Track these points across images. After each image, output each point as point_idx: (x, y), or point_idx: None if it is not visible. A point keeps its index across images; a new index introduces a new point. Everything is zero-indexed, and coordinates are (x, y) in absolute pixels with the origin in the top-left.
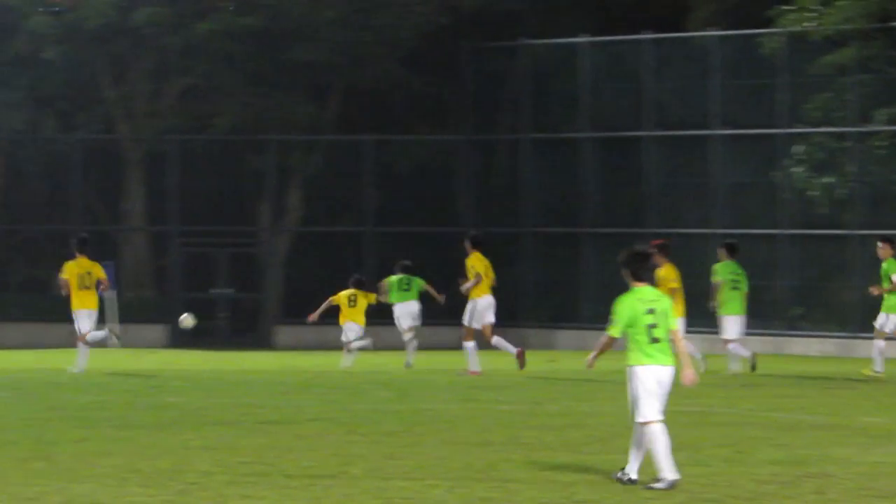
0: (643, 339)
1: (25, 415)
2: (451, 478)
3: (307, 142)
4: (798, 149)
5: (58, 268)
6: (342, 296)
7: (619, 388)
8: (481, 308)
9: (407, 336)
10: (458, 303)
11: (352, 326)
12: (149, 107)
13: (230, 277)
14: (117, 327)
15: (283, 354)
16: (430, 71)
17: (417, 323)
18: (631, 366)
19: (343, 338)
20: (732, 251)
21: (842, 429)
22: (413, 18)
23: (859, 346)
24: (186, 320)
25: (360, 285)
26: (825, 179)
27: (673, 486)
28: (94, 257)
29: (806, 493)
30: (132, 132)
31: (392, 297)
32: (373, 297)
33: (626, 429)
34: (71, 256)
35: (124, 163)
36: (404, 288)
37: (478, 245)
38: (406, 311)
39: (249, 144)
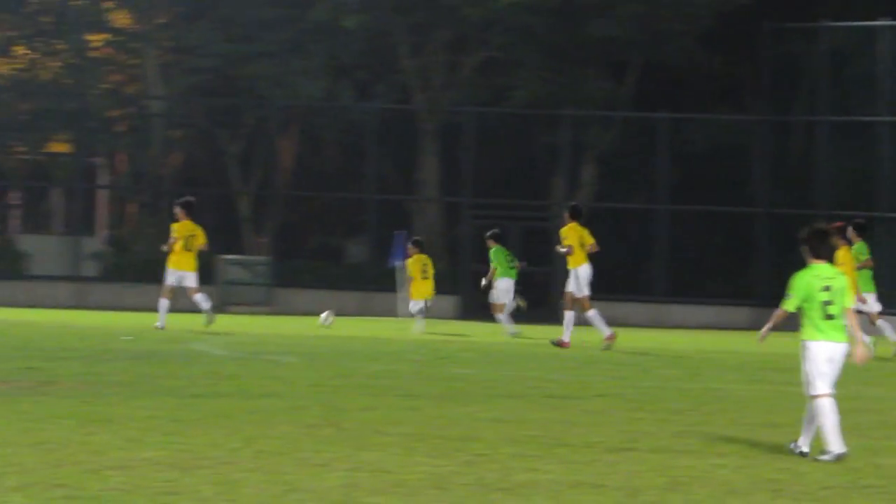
0: (817, 315)
1: (315, 381)
2: (738, 458)
3: (602, 118)
4: None
5: (351, 235)
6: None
7: None
8: (583, 277)
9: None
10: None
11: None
12: (446, 78)
13: (521, 251)
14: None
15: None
16: (728, 50)
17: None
18: (804, 340)
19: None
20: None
21: None
22: None
23: None
24: (328, 319)
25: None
26: None
27: (839, 458)
28: (385, 226)
29: None
30: (428, 103)
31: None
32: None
33: None
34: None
35: (419, 133)
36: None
37: (576, 216)
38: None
39: (544, 119)
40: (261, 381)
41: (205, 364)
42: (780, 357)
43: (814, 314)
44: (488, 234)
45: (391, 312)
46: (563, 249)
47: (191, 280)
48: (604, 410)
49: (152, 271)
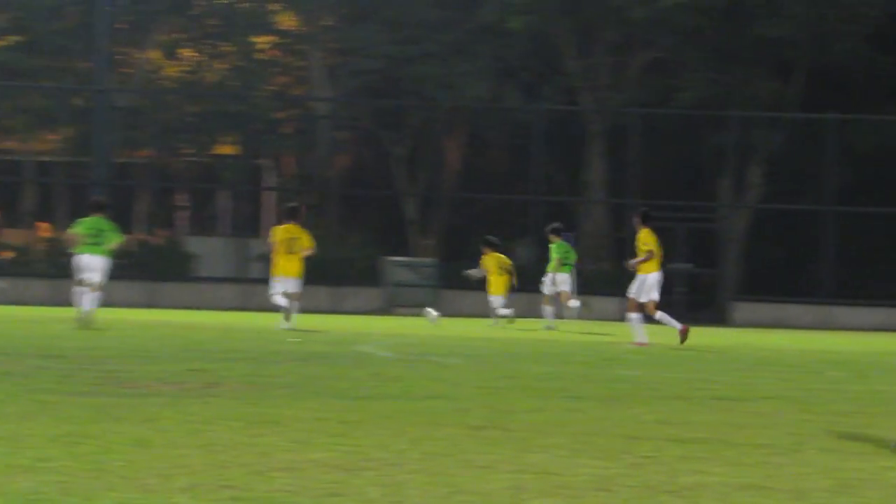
0: None
1: (480, 383)
2: None
3: (770, 119)
4: None
5: (517, 237)
6: None
7: None
8: (651, 283)
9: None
10: None
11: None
12: (612, 79)
13: (689, 252)
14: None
15: (740, 331)
16: None
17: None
18: None
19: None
20: None
21: None
22: None
23: None
24: (429, 315)
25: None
26: None
27: None
28: (545, 229)
29: None
30: (594, 104)
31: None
32: None
33: None
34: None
35: (585, 135)
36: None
37: (648, 221)
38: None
39: (711, 120)
40: (426, 382)
41: (371, 366)
42: None
43: None
44: (549, 227)
45: (557, 314)
46: (642, 257)
47: (292, 285)
48: (770, 412)
49: (320, 273)
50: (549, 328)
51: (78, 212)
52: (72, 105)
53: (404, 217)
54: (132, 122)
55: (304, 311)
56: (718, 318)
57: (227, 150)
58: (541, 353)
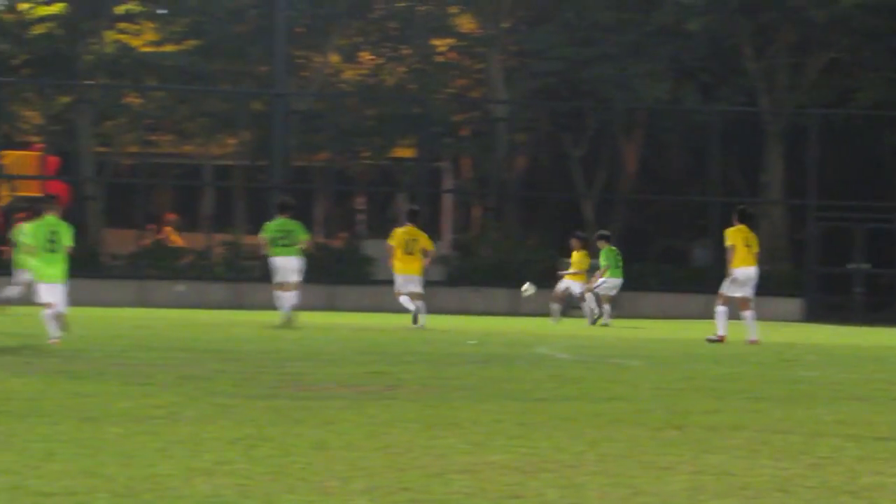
0: None
1: (659, 384)
2: None
3: None
4: None
5: (696, 238)
6: None
7: None
8: (739, 278)
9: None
10: None
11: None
12: (790, 80)
13: (867, 252)
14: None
15: None
16: None
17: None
18: None
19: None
20: None
21: None
22: None
23: None
24: (528, 290)
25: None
26: None
27: None
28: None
29: None
30: (773, 105)
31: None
32: None
33: None
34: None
35: (764, 135)
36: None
37: (744, 219)
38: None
39: (889, 120)
40: (604, 384)
41: (549, 367)
42: None
43: None
44: (598, 234)
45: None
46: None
47: (414, 284)
48: None
49: (498, 275)
50: (604, 324)
51: (257, 216)
52: (250, 109)
53: (582, 219)
54: (310, 125)
55: (484, 313)
56: None
57: (405, 153)
58: (720, 354)
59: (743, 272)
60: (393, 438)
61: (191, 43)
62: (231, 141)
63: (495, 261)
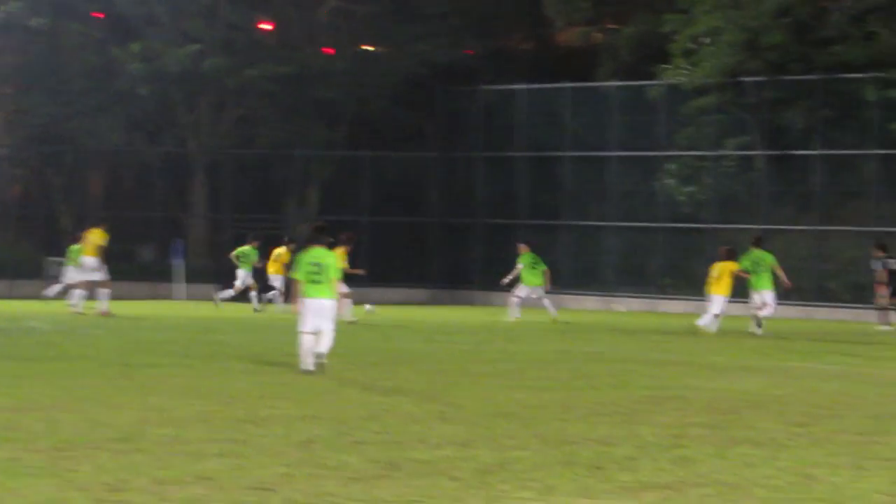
0: None
1: (117, 346)
2: None
3: (322, 156)
4: (671, 166)
5: (144, 242)
6: None
7: None
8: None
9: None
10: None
11: None
12: (212, 128)
13: (261, 253)
14: None
15: None
16: (413, 106)
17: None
18: None
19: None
20: (758, 242)
21: (694, 365)
22: (401, 69)
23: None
24: (370, 309)
25: None
26: (689, 188)
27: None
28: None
29: (667, 410)
30: (199, 146)
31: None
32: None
33: None
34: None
35: (193, 168)
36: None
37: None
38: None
39: (282, 157)
40: (76, 347)
41: (37, 336)
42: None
43: None
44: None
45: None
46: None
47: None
48: None
49: None
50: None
51: None
52: None
53: (59, 228)
54: None
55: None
56: None
57: None
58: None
59: (756, 295)
60: None
61: None
62: None
63: None
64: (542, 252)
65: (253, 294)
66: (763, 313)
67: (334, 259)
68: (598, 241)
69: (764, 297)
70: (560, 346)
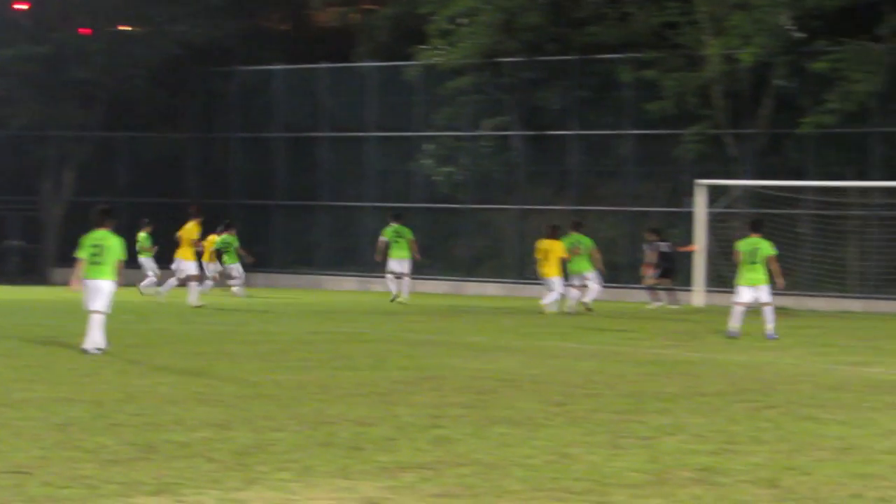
0: None
1: None
2: None
3: (78, 137)
4: (429, 146)
5: None
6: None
7: None
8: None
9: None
10: None
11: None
12: None
13: (21, 232)
14: None
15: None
16: (170, 87)
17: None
18: None
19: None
20: (577, 226)
21: (453, 345)
22: (158, 50)
23: (468, 287)
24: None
25: None
26: (447, 168)
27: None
28: None
29: (425, 390)
30: None
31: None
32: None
33: None
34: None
35: None
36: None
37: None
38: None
39: (37, 139)
40: None
41: None
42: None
43: None
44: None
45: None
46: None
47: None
48: None
49: None
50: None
51: None
52: None
53: None
54: None
55: None
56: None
57: None
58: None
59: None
60: None
61: None
62: None
63: None
64: (300, 233)
65: (171, 280)
66: (588, 297)
67: (117, 242)
68: (355, 221)
69: (584, 278)
70: (319, 326)
